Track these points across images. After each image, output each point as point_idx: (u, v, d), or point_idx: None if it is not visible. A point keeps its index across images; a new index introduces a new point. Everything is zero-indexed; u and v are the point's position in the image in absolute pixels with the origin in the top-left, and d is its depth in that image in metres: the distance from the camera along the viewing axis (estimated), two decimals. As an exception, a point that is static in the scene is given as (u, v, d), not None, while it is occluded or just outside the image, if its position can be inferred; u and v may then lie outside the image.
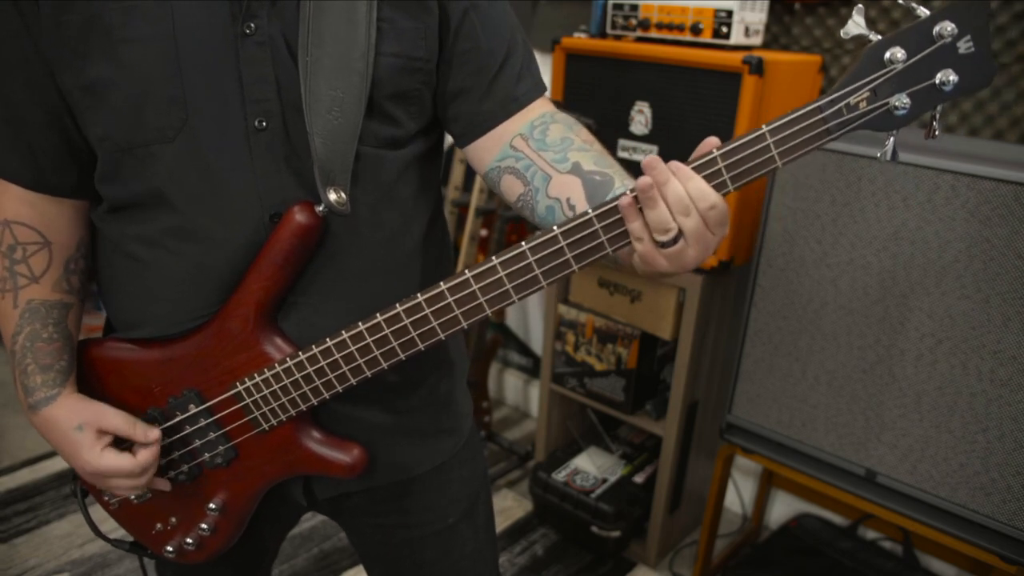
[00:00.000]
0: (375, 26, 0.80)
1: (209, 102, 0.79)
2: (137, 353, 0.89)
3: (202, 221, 0.82)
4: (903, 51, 0.67)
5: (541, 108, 0.91)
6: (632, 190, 0.71)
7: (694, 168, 0.71)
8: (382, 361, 0.82)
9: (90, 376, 0.92)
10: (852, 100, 0.69)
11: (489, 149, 0.90)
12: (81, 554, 2.10)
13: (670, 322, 1.91)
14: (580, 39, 1.90)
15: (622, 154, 1.85)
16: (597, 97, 1.87)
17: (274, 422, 0.87)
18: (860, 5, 0.70)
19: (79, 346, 0.93)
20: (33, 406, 0.88)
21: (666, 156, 1.84)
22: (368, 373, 0.83)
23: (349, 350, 0.82)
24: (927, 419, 1.48)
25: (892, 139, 0.72)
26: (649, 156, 0.71)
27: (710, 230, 0.71)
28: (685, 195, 0.69)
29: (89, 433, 0.87)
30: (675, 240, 0.71)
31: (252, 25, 0.77)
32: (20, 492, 2.35)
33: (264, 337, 0.84)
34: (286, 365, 0.84)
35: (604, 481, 2.14)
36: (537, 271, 0.76)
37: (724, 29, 1.67)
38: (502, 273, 0.76)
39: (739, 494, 2.35)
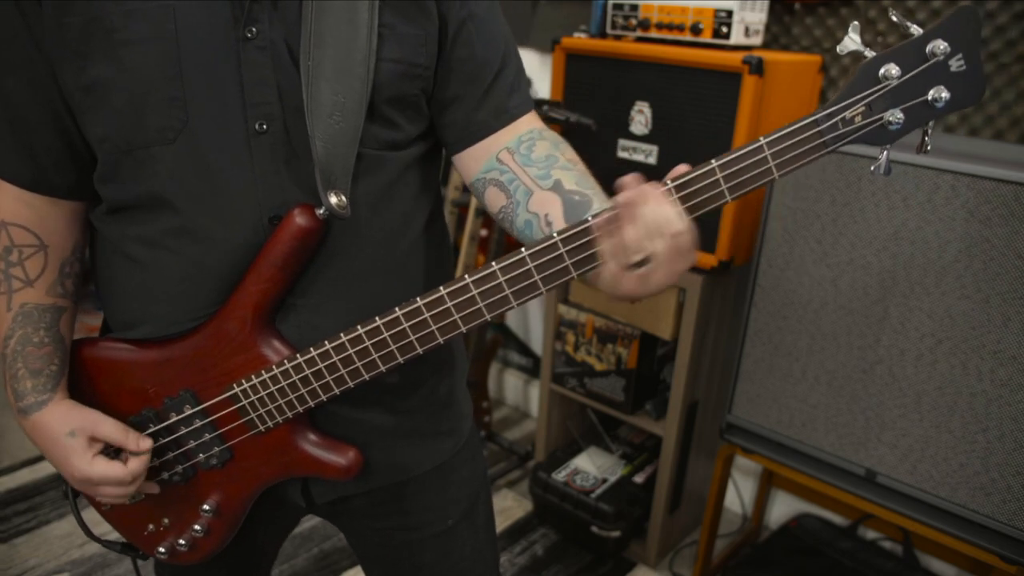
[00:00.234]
0: (376, 31, 0.80)
1: (210, 104, 0.79)
2: (133, 353, 0.89)
3: (201, 222, 0.82)
4: (897, 68, 0.70)
5: (529, 124, 0.92)
6: (608, 209, 0.72)
7: (692, 178, 0.71)
8: (380, 365, 0.82)
9: (85, 376, 0.92)
10: (848, 114, 0.71)
11: (477, 159, 0.91)
12: (81, 554, 2.10)
13: (670, 322, 1.90)
14: (580, 39, 1.90)
15: (622, 154, 1.85)
16: (597, 97, 1.87)
17: (271, 424, 0.87)
18: (856, 23, 0.72)
19: (74, 346, 0.92)
20: (23, 411, 0.88)
21: (666, 156, 1.84)
22: (366, 376, 0.83)
23: (347, 353, 0.82)
24: (927, 419, 1.48)
25: (886, 153, 0.74)
26: (629, 175, 0.71)
27: (678, 255, 0.72)
28: (658, 218, 0.70)
29: (81, 440, 0.87)
30: (642, 263, 0.72)
31: (253, 29, 0.78)
32: (20, 492, 2.35)
33: (262, 339, 0.84)
34: (284, 367, 0.84)
35: (604, 481, 2.14)
36: (535, 278, 0.76)
37: (724, 29, 1.67)
38: (502, 279, 0.76)
39: (739, 494, 2.35)
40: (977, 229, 1.35)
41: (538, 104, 1.89)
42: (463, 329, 0.79)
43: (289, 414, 0.86)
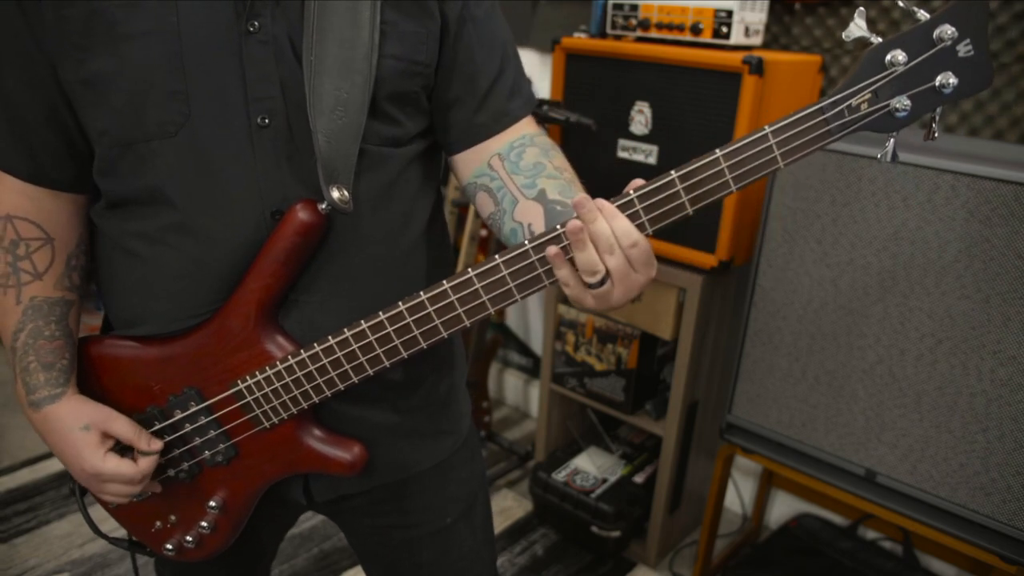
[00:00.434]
0: (378, 28, 0.81)
1: (212, 99, 0.79)
2: (137, 351, 0.89)
3: (202, 218, 0.82)
4: (904, 54, 0.68)
5: (522, 129, 0.93)
6: (559, 228, 0.73)
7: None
8: (384, 359, 0.82)
9: (89, 374, 0.92)
10: (854, 102, 0.70)
11: (471, 163, 0.93)
12: (81, 554, 2.10)
13: (670, 322, 1.90)
14: (580, 39, 1.90)
15: (622, 154, 1.85)
16: (597, 97, 1.87)
17: (275, 420, 0.87)
18: (861, 8, 0.71)
19: (79, 343, 0.92)
20: (36, 403, 0.88)
21: (666, 156, 1.84)
22: (370, 371, 0.83)
23: (351, 348, 0.82)
24: (927, 419, 1.48)
25: (892, 140, 0.73)
26: (579, 196, 0.72)
27: (634, 269, 0.74)
28: (610, 234, 0.71)
29: (95, 434, 0.87)
30: (602, 281, 0.73)
31: (256, 24, 0.78)
32: (20, 492, 2.35)
33: (265, 335, 0.84)
34: (287, 363, 0.84)
35: (604, 481, 2.14)
36: (539, 271, 0.77)
37: (724, 29, 1.67)
38: (505, 272, 0.76)
39: (739, 494, 2.35)
40: (977, 229, 1.35)
41: (538, 104, 1.89)
42: (467, 323, 0.79)
43: (294, 410, 0.86)
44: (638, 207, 0.73)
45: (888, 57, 0.69)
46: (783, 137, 0.70)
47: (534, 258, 0.75)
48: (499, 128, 0.91)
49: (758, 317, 1.68)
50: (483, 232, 2.35)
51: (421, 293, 0.79)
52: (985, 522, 1.44)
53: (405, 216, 0.90)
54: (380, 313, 0.80)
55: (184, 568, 1.10)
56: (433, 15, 0.85)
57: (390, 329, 0.80)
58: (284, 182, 0.82)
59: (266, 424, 0.88)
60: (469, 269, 0.77)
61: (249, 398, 0.87)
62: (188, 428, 0.90)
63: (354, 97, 0.80)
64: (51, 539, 2.16)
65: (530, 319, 2.79)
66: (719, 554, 2.13)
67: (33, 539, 2.15)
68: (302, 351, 0.83)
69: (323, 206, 0.80)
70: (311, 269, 0.85)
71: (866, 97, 0.70)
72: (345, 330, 0.82)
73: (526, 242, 0.75)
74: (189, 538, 0.95)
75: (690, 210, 0.73)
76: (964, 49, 0.68)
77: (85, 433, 0.87)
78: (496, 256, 0.76)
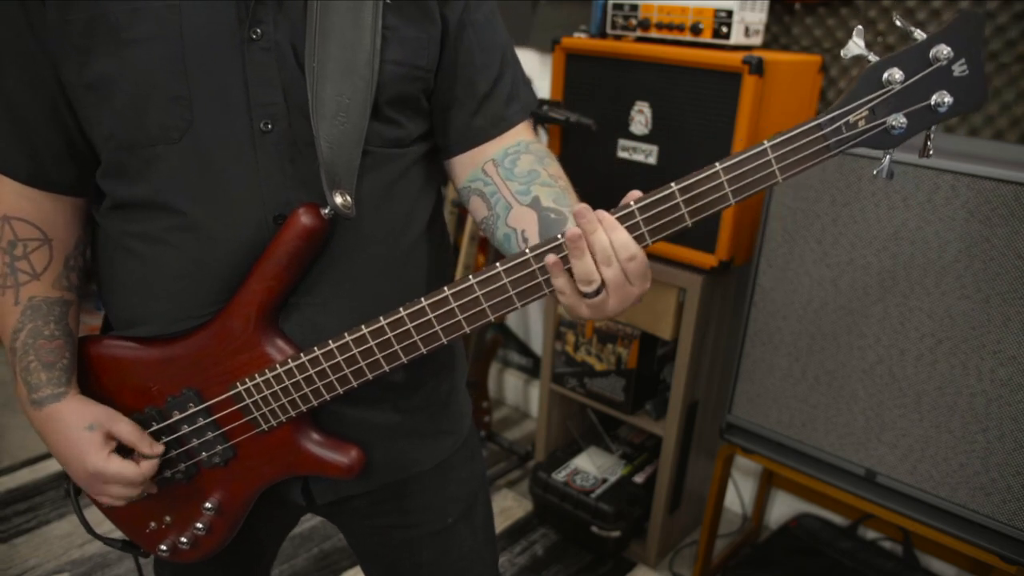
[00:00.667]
0: (380, 33, 0.81)
1: (214, 104, 0.79)
2: (136, 351, 0.89)
3: (205, 220, 0.82)
4: (901, 72, 0.70)
5: (518, 135, 0.93)
6: (560, 237, 0.74)
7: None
8: (384, 364, 0.82)
9: (88, 374, 0.92)
10: (851, 118, 0.72)
11: (466, 167, 0.93)
12: (81, 554, 2.10)
13: (670, 322, 1.90)
14: (580, 39, 1.90)
15: (622, 154, 1.85)
16: (597, 97, 1.87)
17: (274, 423, 0.87)
18: (860, 27, 0.73)
19: (78, 343, 0.92)
20: (38, 402, 0.88)
21: (666, 156, 1.84)
22: (369, 376, 0.83)
23: (351, 353, 0.82)
24: (927, 419, 1.48)
25: (888, 157, 0.74)
26: (579, 206, 0.73)
27: (630, 281, 0.74)
28: (609, 245, 0.72)
29: (99, 434, 0.87)
30: (598, 291, 0.74)
31: (258, 30, 0.78)
32: (20, 492, 2.35)
33: (265, 338, 0.85)
34: (287, 366, 0.84)
35: (604, 481, 2.14)
36: (539, 279, 0.78)
37: (724, 29, 1.67)
38: (506, 280, 0.77)
39: (739, 494, 2.35)
40: (977, 229, 1.35)
41: (538, 104, 1.89)
42: (467, 330, 0.80)
43: (292, 413, 0.86)
44: (638, 218, 0.73)
45: (885, 75, 0.70)
46: (782, 152, 0.72)
47: (535, 267, 0.76)
48: (496, 132, 0.92)
49: (758, 317, 1.68)
50: (483, 232, 2.35)
51: (422, 299, 0.79)
52: (985, 522, 1.44)
53: (407, 216, 0.90)
54: (381, 319, 0.80)
55: (184, 568, 1.10)
56: (434, 20, 0.85)
57: (391, 335, 0.81)
58: (286, 186, 0.82)
59: (264, 427, 0.88)
60: (470, 276, 0.77)
61: (248, 400, 0.87)
62: (186, 429, 0.90)
63: (356, 102, 0.80)
64: (51, 539, 2.16)
65: (530, 319, 2.79)
66: (719, 554, 2.13)
67: (33, 539, 2.15)
68: (302, 355, 0.83)
69: (326, 211, 0.80)
70: (313, 272, 0.85)
71: (863, 114, 0.71)
72: (346, 335, 0.82)
73: (527, 250, 0.75)
74: (184, 539, 0.95)
75: (689, 222, 0.74)
76: (959, 69, 0.70)
77: (89, 433, 0.87)
78: (497, 264, 0.76)
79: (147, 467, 0.88)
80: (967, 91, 0.70)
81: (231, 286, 0.84)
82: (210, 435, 0.90)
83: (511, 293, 0.77)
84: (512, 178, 0.89)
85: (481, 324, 0.79)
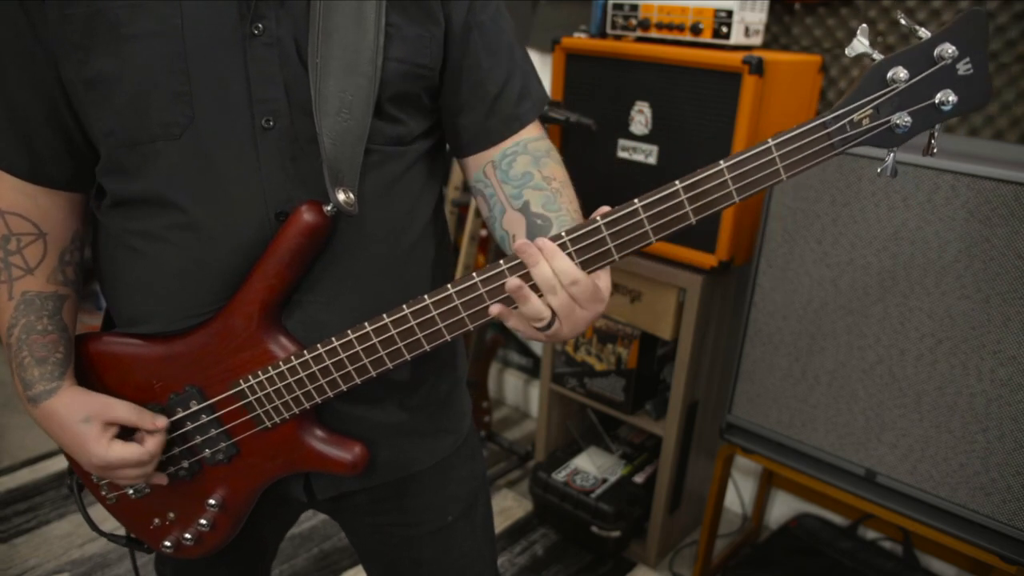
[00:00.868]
0: (383, 31, 0.81)
1: (216, 100, 0.79)
2: (139, 348, 0.89)
3: (206, 218, 0.82)
4: (905, 71, 0.70)
5: (521, 135, 0.93)
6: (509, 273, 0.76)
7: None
8: (387, 362, 0.83)
9: (90, 371, 0.92)
10: (856, 117, 0.72)
11: (472, 168, 0.94)
12: (81, 554, 2.10)
13: (670, 322, 1.91)
14: (580, 39, 1.90)
15: (622, 154, 1.85)
16: (597, 97, 1.87)
17: (276, 420, 0.88)
18: (864, 26, 0.73)
19: (80, 340, 0.93)
20: (33, 399, 0.88)
21: (666, 156, 1.84)
22: (373, 373, 0.83)
23: (354, 350, 0.82)
24: (927, 419, 1.48)
25: (892, 156, 0.75)
26: (520, 241, 0.75)
27: (579, 305, 0.75)
28: (551, 274, 0.73)
29: (96, 425, 0.87)
30: (550, 324, 0.76)
31: (260, 26, 0.78)
32: (20, 492, 2.35)
33: (268, 335, 0.85)
34: (290, 363, 0.84)
35: (604, 481, 2.14)
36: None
37: (724, 29, 1.67)
38: (509, 278, 0.77)
39: (739, 494, 2.35)
40: (977, 229, 1.35)
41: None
42: (470, 327, 0.80)
43: (296, 410, 0.87)
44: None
45: (890, 74, 0.70)
46: (786, 151, 0.72)
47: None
48: (510, 132, 0.92)
49: (758, 317, 1.68)
50: (483, 232, 2.35)
51: (425, 297, 0.79)
52: (985, 522, 1.44)
53: (408, 214, 0.90)
54: (384, 316, 0.80)
55: (185, 566, 1.10)
56: (437, 19, 0.85)
57: (393, 332, 0.81)
58: (288, 184, 0.82)
59: (267, 424, 0.88)
60: (474, 274, 0.77)
61: (251, 397, 0.87)
62: (189, 426, 0.90)
63: (359, 99, 0.80)
64: (51, 539, 2.16)
65: (530, 319, 2.79)
66: (719, 554, 2.13)
67: (33, 539, 2.15)
68: (305, 351, 0.84)
69: (329, 208, 0.80)
70: (315, 269, 0.85)
71: (868, 113, 0.71)
72: (348, 332, 0.82)
73: (501, 262, 0.77)
74: (188, 535, 0.95)
75: (693, 220, 0.75)
76: (964, 67, 0.70)
77: (86, 426, 0.87)
78: (501, 261, 0.77)
79: (152, 443, 0.88)
80: (971, 90, 0.70)
81: (233, 283, 0.84)
82: (213, 432, 0.90)
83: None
84: (507, 181, 0.90)
85: (484, 322, 0.80)
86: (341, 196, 0.79)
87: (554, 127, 1.94)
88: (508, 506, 2.35)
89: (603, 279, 0.78)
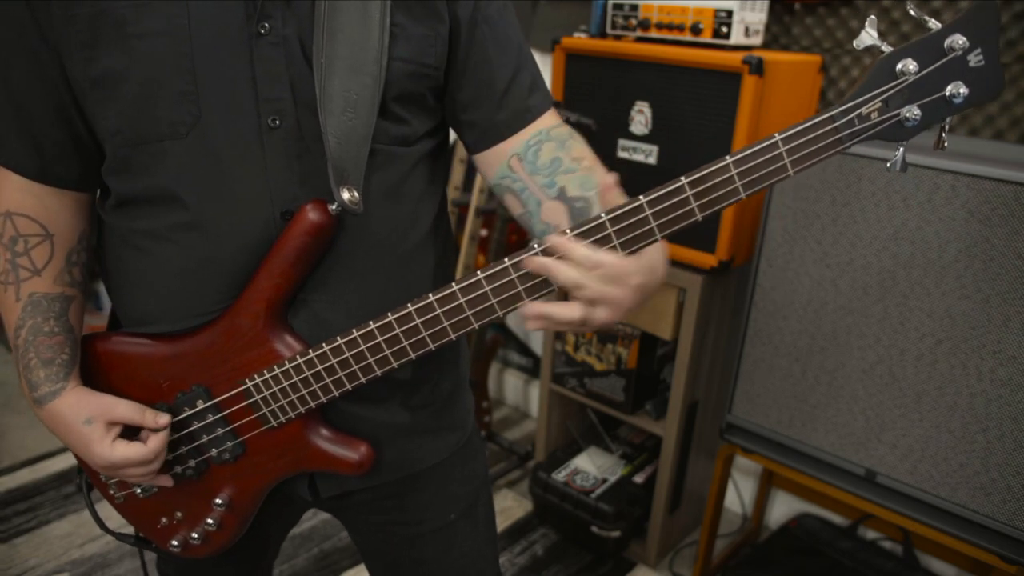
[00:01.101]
0: (388, 30, 0.81)
1: (222, 99, 0.79)
2: (145, 348, 0.89)
3: (212, 217, 0.82)
4: (915, 63, 0.69)
5: (540, 124, 0.92)
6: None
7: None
8: (392, 360, 0.83)
9: (97, 371, 0.92)
10: (864, 110, 0.70)
11: (492, 165, 0.93)
12: (81, 554, 2.10)
13: (670, 322, 1.91)
14: (580, 39, 1.90)
15: (622, 154, 1.85)
16: (597, 97, 1.87)
17: (283, 419, 0.88)
18: (872, 17, 0.71)
19: (86, 340, 0.93)
20: (38, 400, 0.89)
21: (666, 156, 1.84)
22: (378, 372, 0.83)
23: (359, 349, 0.82)
24: (927, 419, 1.48)
25: (902, 149, 0.73)
26: (530, 257, 0.74)
27: (611, 288, 0.73)
28: (574, 274, 0.72)
29: (98, 426, 0.87)
30: (584, 321, 0.75)
31: (266, 25, 0.78)
32: (20, 492, 2.35)
33: (274, 334, 0.85)
34: (295, 363, 0.84)
35: (604, 481, 2.14)
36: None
37: (724, 29, 1.67)
38: (514, 275, 0.77)
39: (739, 494, 2.35)
40: (977, 229, 1.36)
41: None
42: (475, 326, 0.80)
43: (302, 409, 0.87)
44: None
45: (899, 66, 0.69)
46: (793, 145, 0.70)
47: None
48: (521, 125, 0.91)
49: (758, 317, 1.68)
50: (483, 232, 2.35)
51: (430, 295, 0.79)
52: (985, 522, 1.44)
53: (413, 215, 0.90)
54: (389, 314, 0.80)
55: (188, 565, 1.10)
56: (442, 18, 0.85)
57: (398, 330, 0.81)
58: (294, 183, 0.82)
59: (273, 423, 0.88)
60: (478, 272, 0.77)
61: (257, 397, 0.87)
62: (196, 426, 0.90)
63: (364, 98, 0.80)
64: (51, 539, 2.16)
65: (530, 319, 2.79)
66: (719, 554, 2.13)
67: (33, 539, 2.15)
68: (310, 351, 0.84)
69: (334, 207, 0.80)
70: (320, 268, 0.85)
71: (876, 106, 0.70)
72: (353, 330, 0.82)
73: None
74: (195, 535, 0.96)
75: (699, 216, 0.73)
76: (975, 59, 0.68)
77: (88, 427, 0.87)
78: (506, 259, 0.76)
79: (155, 442, 0.88)
80: (983, 81, 0.69)
81: (239, 283, 0.84)
82: (220, 431, 0.90)
83: (520, 288, 0.77)
84: (537, 171, 0.89)
85: (490, 320, 0.80)
86: (346, 195, 0.79)
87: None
88: (508, 506, 2.36)
89: (653, 252, 0.76)
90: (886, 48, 0.70)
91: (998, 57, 0.69)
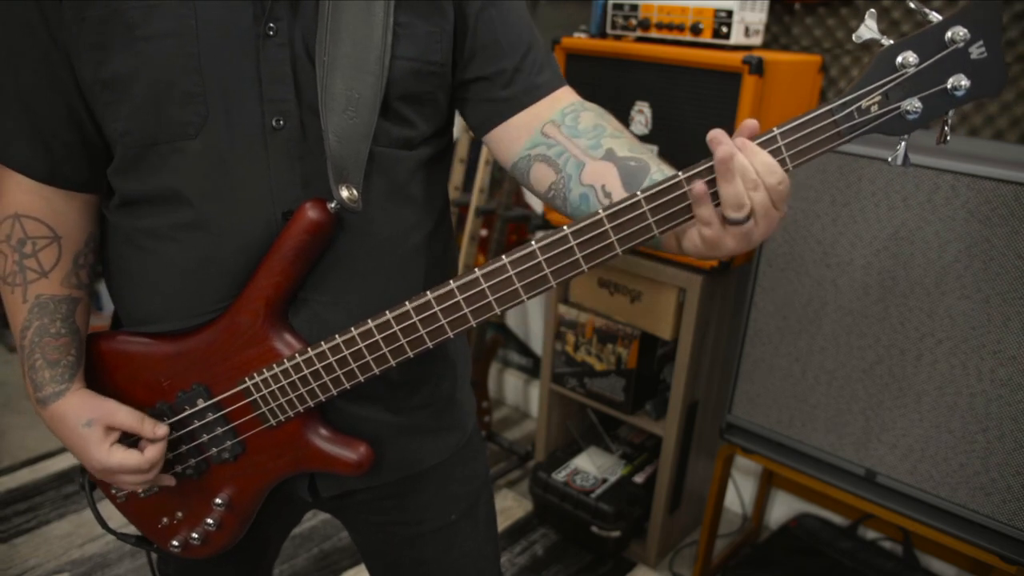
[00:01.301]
0: (392, 30, 0.81)
1: (228, 100, 0.79)
2: (147, 347, 0.89)
3: (215, 216, 0.82)
4: (915, 55, 0.68)
5: (569, 97, 0.91)
6: (702, 166, 0.70)
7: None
8: (391, 358, 0.83)
9: (99, 370, 0.92)
10: (864, 103, 0.69)
11: (517, 138, 0.89)
12: (81, 554, 2.10)
13: (670, 322, 1.91)
14: (580, 39, 1.90)
15: (622, 154, 1.85)
16: (597, 97, 1.84)
17: (282, 418, 0.88)
18: (872, 10, 0.70)
19: (90, 339, 0.93)
20: (42, 401, 0.89)
21: (666, 156, 1.84)
22: (376, 370, 0.83)
23: (358, 347, 0.82)
24: (927, 419, 1.48)
25: (904, 143, 0.72)
26: (714, 130, 0.69)
27: (775, 206, 0.70)
28: (752, 170, 0.69)
29: (97, 429, 0.88)
30: (747, 217, 0.70)
31: (273, 26, 0.78)
32: (20, 492, 2.35)
33: (274, 333, 0.85)
34: (295, 361, 0.84)
35: (604, 481, 2.14)
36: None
37: (724, 29, 1.67)
38: (512, 272, 0.76)
39: (739, 494, 2.35)
40: (977, 229, 1.36)
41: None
42: (472, 323, 0.80)
43: (300, 408, 0.87)
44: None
45: (899, 59, 0.68)
46: (792, 139, 0.70)
47: (546, 256, 0.75)
48: (529, 101, 0.88)
49: (758, 317, 1.68)
50: (483, 232, 2.35)
51: (428, 293, 0.79)
52: (985, 522, 1.44)
53: (415, 218, 0.90)
54: (387, 312, 0.81)
55: (188, 566, 1.10)
56: (447, 15, 0.85)
57: (396, 328, 0.81)
58: (296, 183, 0.82)
59: (272, 422, 0.88)
60: (476, 269, 0.77)
61: (256, 395, 0.87)
62: (196, 424, 0.90)
63: (366, 97, 0.80)
64: (51, 539, 2.16)
65: (530, 319, 2.79)
66: (719, 554, 2.13)
67: (33, 539, 2.15)
68: (309, 349, 0.84)
69: (332, 205, 0.80)
70: (321, 268, 0.85)
71: (876, 99, 0.69)
72: (352, 329, 0.82)
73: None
74: (195, 535, 0.96)
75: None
76: (977, 51, 0.67)
77: (87, 429, 0.88)
78: (503, 257, 0.76)
79: (152, 452, 0.88)
80: (986, 74, 0.67)
81: (240, 282, 0.84)
82: (220, 430, 0.90)
83: (517, 286, 0.76)
84: (578, 135, 0.85)
85: (487, 318, 0.79)
86: (344, 193, 0.79)
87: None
88: (508, 506, 2.36)
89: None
90: (886, 41, 0.69)
91: (1001, 50, 0.67)
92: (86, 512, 2.24)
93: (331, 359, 0.83)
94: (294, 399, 0.86)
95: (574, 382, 2.14)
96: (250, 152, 0.81)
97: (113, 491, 0.98)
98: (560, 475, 2.17)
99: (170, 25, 0.76)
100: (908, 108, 0.69)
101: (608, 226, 0.73)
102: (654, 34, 1.78)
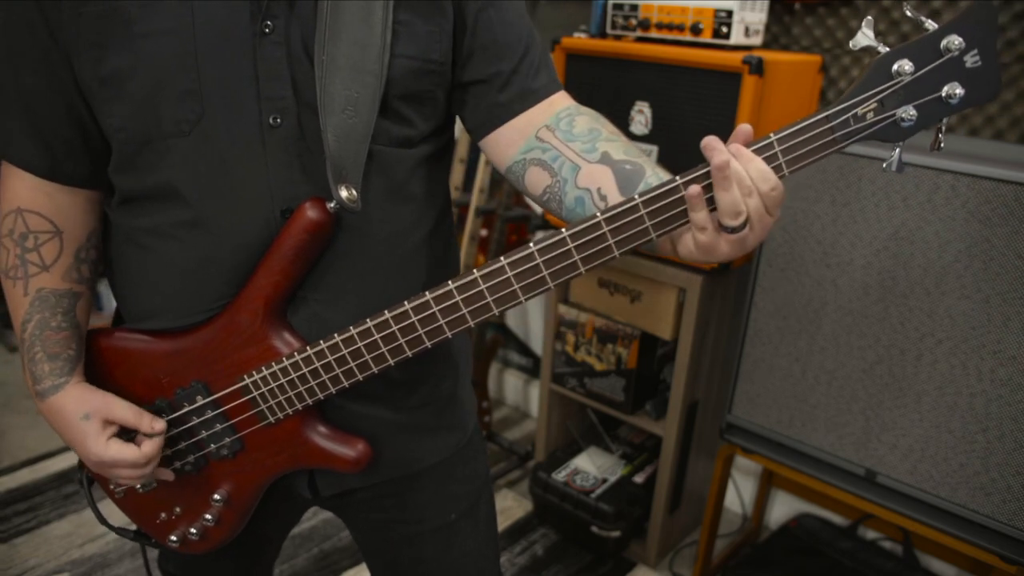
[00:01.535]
0: (391, 28, 0.81)
1: (225, 98, 0.79)
2: (146, 344, 0.90)
3: (213, 214, 0.83)
4: (911, 63, 0.68)
5: (564, 102, 0.91)
6: (699, 172, 0.70)
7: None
8: (389, 358, 0.83)
9: (99, 366, 0.93)
10: (860, 110, 0.70)
11: (512, 142, 0.90)
12: (81, 554, 2.10)
13: (670, 322, 1.91)
14: (580, 39, 1.90)
15: (622, 154, 1.85)
16: (597, 97, 1.87)
17: (280, 415, 0.88)
18: (869, 17, 0.71)
19: (90, 336, 0.93)
20: (41, 394, 0.90)
21: (666, 156, 1.84)
22: (375, 369, 0.84)
23: (357, 346, 0.83)
24: (927, 419, 1.48)
25: (899, 150, 0.73)
26: (708, 137, 0.69)
27: (769, 212, 0.71)
28: (748, 177, 0.69)
29: (95, 422, 0.88)
30: (743, 225, 0.71)
31: (270, 24, 0.79)
32: (20, 492, 2.35)
33: (273, 331, 0.85)
34: (294, 360, 0.85)
35: (604, 481, 2.14)
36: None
37: (724, 29, 1.67)
38: (510, 273, 0.76)
39: (739, 494, 2.35)
40: (977, 229, 1.36)
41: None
42: (471, 324, 0.80)
43: (299, 405, 0.87)
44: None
45: (895, 66, 0.69)
46: (788, 145, 0.70)
47: (544, 258, 0.75)
48: (524, 106, 0.88)
49: (758, 317, 1.68)
50: (483, 232, 2.35)
51: (426, 293, 0.79)
52: (985, 522, 1.44)
53: (414, 217, 0.90)
54: (386, 312, 0.81)
55: (189, 562, 1.11)
56: (447, 14, 0.85)
57: (395, 328, 0.81)
58: (295, 181, 0.82)
59: (271, 419, 0.89)
60: (475, 270, 0.77)
61: (255, 393, 0.87)
62: (195, 421, 0.91)
63: (365, 97, 0.80)
64: (51, 539, 2.16)
65: (530, 319, 2.79)
66: (719, 554, 2.13)
67: (33, 539, 2.15)
68: (308, 348, 0.84)
69: (331, 205, 0.80)
70: (320, 267, 0.85)
71: (872, 106, 0.70)
72: (351, 328, 0.82)
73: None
74: (193, 530, 0.96)
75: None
76: (972, 60, 0.68)
77: (85, 422, 0.88)
78: (501, 258, 0.76)
79: (149, 447, 0.88)
80: (980, 83, 0.68)
81: (239, 280, 0.85)
82: (218, 427, 0.90)
83: (515, 287, 0.76)
84: (573, 139, 0.86)
85: (486, 318, 0.79)
86: (344, 193, 0.79)
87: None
88: (508, 506, 2.36)
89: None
90: (882, 48, 0.69)
91: (996, 58, 0.68)
92: (86, 512, 2.24)
93: (330, 358, 0.84)
94: (292, 397, 0.86)
95: (574, 382, 2.14)
96: (248, 150, 0.81)
97: (112, 487, 0.98)
98: (560, 475, 2.17)
99: (168, 23, 0.77)
100: (903, 116, 0.70)
101: (606, 229, 0.74)
102: (654, 34, 1.78)
